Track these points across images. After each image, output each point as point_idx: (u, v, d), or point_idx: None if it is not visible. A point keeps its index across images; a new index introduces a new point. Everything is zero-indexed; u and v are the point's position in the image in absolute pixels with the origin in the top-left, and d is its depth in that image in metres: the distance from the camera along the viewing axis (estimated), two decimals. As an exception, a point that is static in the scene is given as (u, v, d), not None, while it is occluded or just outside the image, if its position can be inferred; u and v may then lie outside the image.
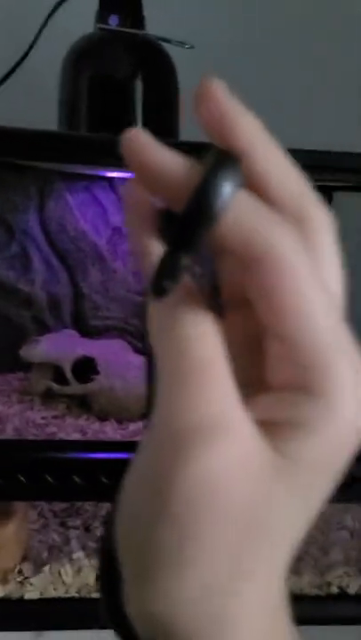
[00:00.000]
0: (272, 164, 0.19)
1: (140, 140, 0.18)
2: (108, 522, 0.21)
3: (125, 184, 0.20)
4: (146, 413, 0.22)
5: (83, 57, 0.67)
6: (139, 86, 0.64)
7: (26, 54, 0.67)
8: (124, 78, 0.65)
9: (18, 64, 0.68)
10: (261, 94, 0.83)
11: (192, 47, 0.64)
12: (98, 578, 0.23)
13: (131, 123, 0.64)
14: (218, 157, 0.18)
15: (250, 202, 0.18)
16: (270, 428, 0.18)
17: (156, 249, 0.19)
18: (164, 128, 0.67)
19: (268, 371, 0.19)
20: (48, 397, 0.78)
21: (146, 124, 0.64)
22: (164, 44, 0.66)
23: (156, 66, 0.67)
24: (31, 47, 0.68)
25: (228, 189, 0.17)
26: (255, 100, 0.81)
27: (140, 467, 0.19)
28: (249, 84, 0.83)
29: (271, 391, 0.19)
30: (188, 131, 0.69)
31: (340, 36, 0.83)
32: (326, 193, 0.79)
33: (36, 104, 0.70)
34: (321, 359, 0.17)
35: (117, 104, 0.65)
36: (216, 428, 0.17)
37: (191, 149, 0.58)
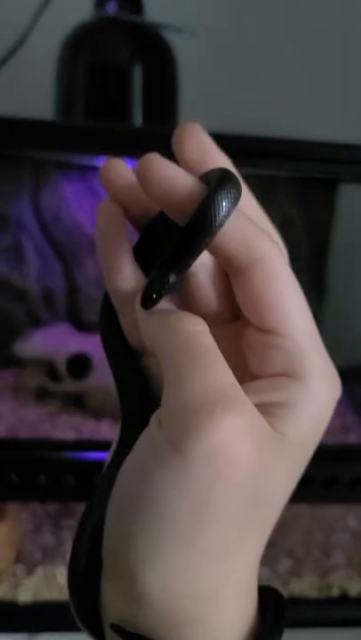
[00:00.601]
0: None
1: (155, 159, 0.21)
2: (87, 517, 0.22)
3: (102, 202, 0.23)
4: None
5: (80, 44, 0.65)
6: (138, 74, 0.62)
7: (22, 41, 0.65)
8: (122, 66, 0.63)
9: (14, 51, 0.66)
10: (261, 82, 0.82)
11: (192, 34, 0.63)
12: (70, 579, 0.23)
13: (129, 111, 0.62)
14: (221, 177, 0.21)
15: (246, 216, 0.21)
16: (261, 409, 0.20)
17: (129, 266, 0.22)
18: (164, 116, 0.65)
19: (253, 363, 0.22)
20: (42, 394, 0.76)
21: (145, 112, 0.63)
22: (164, 31, 0.65)
23: (155, 53, 0.65)
24: (28, 34, 0.66)
25: (229, 204, 0.20)
26: (255, 88, 0.80)
27: (146, 447, 0.20)
28: (249, 71, 0.82)
29: (257, 380, 0.22)
30: (187, 118, 0.68)
31: (343, 23, 0.81)
32: (331, 185, 0.78)
33: (32, 92, 0.69)
34: (302, 350, 0.21)
35: (116, 92, 0.63)
36: (227, 398, 0.19)
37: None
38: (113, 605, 0.21)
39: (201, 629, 0.21)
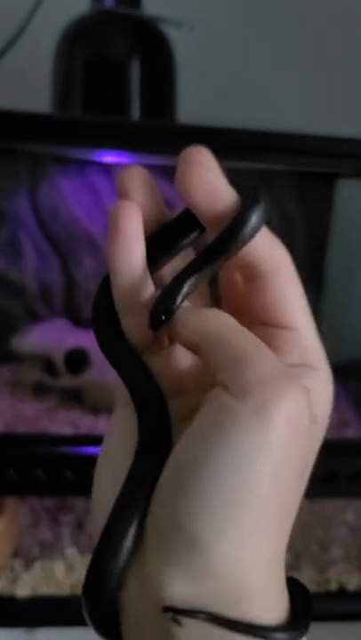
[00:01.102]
0: None
1: (203, 155, 0.23)
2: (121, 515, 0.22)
3: (122, 203, 0.23)
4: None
5: (78, 37, 0.65)
6: (135, 67, 0.62)
7: (19, 34, 0.65)
8: (120, 59, 0.63)
9: (11, 44, 0.65)
10: (259, 75, 0.82)
11: (190, 27, 0.62)
12: (92, 575, 0.22)
13: (127, 104, 0.62)
14: (256, 196, 0.23)
15: (267, 229, 0.24)
16: None
17: (143, 268, 0.23)
18: (161, 110, 0.65)
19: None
20: (39, 390, 0.76)
21: (142, 106, 0.62)
22: (161, 24, 0.64)
23: (152, 46, 0.64)
24: (25, 27, 0.65)
25: (261, 221, 0.23)
26: (253, 82, 0.79)
27: (218, 417, 0.21)
28: (247, 65, 0.81)
29: None
30: (185, 112, 0.68)
31: (342, 15, 0.81)
32: (329, 180, 0.78)
33: (29, 85, 0.68)
34: (314, 343, 0.25)
35: (113, 85, 0.63)
36: (291, 374, 0.22)
37: (188, 131, 0.56)
38: (153, 594, 0.21)
39: (260, 603, 0.21)
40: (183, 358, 0.24)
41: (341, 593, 0.57)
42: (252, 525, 0.20)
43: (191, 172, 0.23)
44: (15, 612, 0.55)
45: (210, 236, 0.24)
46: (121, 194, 0.24)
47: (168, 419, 0.23)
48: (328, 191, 0.79)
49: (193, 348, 0.23)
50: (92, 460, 0.51)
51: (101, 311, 0.25)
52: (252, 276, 0.25)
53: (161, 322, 0.23)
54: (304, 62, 0.82)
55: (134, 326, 0.24)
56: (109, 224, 0.23)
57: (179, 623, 0.20)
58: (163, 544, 0.21)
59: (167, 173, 0.82)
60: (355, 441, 0.66)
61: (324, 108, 0.78)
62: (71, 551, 0.57)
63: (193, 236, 0.24)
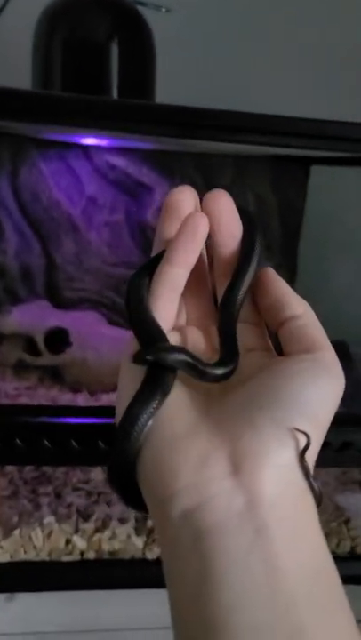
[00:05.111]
0: None
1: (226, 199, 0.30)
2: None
3: (198, 213, 0.29)
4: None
5: (57, 20, 0.66)
6: (114, 49, 0.63)
7: (-2, 16, 0.66)
8: (99, 41, 0.64)
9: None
10: (237, 58, 0.83)
11: (169, 11, 0.64)
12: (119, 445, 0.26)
13: (106, 86, 0.63)
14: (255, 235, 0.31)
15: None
16: None
17: (189, 269, 0.29)
18: (140, 91, 0.66)
19: (284, 347, 0.29)
20: (20, 368, 0.77)
21: (121, 88, 0.64)
22: (140, 7, 0.66)
23: (131, 29, 0.66)
24: (3, 8, 0.66)
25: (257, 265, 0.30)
26: (231, 64, 0.80)
27: (308, 369, 0.27)
28: (225, 47, 0.83)
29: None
30: (163, 94, 0.69)
31: (327, 1, 0.83)
32: (303, 165, 0.80)
33: (8, 67, 0.69)
34: (322, 336, 0.28)
35: (92, 68, 0.64)
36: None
37: (166, 112, 0.57)
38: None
39: None
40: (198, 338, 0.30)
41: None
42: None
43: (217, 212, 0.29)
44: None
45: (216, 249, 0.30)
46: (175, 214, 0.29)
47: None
48: (302, 177, 0.81)
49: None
50: (70, 430, 0.52)
51: (137, 292, 0.29)
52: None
53: (145, 362, 0.26)
54: (283, 45, 0.83)
55: (165, 308, 0.28)
56: (185, 225, 0.28)
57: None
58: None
59: (146, 156, 0.83)
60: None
61: (303, 91, 0.79)
62: (50, 520, 0.58)
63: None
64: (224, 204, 0.29)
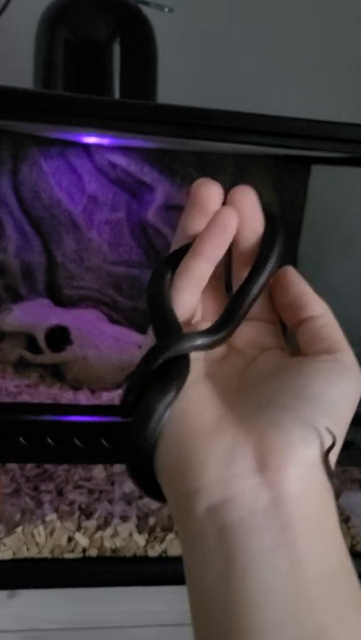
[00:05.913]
0: None
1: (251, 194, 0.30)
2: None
3: (228, 208, 0.29)
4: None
5: (59, 19, 0.66)
6: (116, 49, 0.63)
7: None
8: (101, 41, 0.64)
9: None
10: (239, 58, 0.83)
11: (171, 10, 0.64)
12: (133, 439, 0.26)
13: (108, 87, 0.63)
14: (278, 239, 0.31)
15: None
16: None
17: (214, 264, 0.29)
18: (142, 91, 0.66)
19: (303, 347, 0.29)
20: (21, 366, 0.78)
21: (123, 89, 0.64)
22: (142, 7, 0.66)
23: (133, 29, 0.66)
24: (5, 8, 0.66)
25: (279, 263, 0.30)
26: (232, 64, 0.81)
27: (330, 369, 0.27)
28: (227, 48, 0.83)
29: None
30: (165, 94, 0.69)
31: (328, 3, 0.83)
32: (304, 165, 0.80)
33: (10, 68, 0.69)
34: (342, 337, 0.28)
35: (94, 68, 0.64)
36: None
37: (167, 112, 0.57)
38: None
39: None
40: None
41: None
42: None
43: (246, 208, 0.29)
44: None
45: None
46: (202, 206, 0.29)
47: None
48: (303, 177, 0.81)
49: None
50: (73, 428, 0.53)
51: (159, 284, 0.29)
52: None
53: (128, 413, 0.27)
54: (283, 43, 0.83)
55: (185, 302, 0.29)
56: (216, 220, 0.28)
57: None
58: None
59: (147, 155, 0.84)
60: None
61: (305, 91, 0.79)
62: (52, 517, 0.59)
63: None
64: (250, 199, 0.29)
